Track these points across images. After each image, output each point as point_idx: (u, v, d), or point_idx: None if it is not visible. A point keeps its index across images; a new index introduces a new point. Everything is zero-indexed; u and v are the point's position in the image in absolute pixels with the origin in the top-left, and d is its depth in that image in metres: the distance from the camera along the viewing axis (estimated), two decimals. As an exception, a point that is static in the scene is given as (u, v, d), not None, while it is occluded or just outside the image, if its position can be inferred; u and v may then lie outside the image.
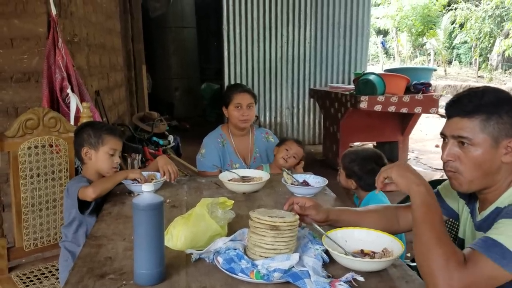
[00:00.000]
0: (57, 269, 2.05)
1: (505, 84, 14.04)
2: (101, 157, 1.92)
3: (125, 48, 6.40)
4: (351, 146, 6.10)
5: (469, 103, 1.20)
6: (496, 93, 1.21)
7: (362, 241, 1.36)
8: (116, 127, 2.20)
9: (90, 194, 1.76)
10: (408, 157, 6.06)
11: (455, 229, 1.89)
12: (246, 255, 1.26)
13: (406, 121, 5.55)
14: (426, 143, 7.38)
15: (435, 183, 2.05)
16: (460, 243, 1.38)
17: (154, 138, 5.31)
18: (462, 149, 1.21)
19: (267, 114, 7.06)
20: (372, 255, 1.30)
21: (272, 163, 2.53)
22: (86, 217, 1.86)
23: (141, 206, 1.13)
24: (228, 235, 1.40)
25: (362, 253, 1.32)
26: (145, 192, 1.15)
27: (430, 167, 5.83)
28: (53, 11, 2.62)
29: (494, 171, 1.20)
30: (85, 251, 1.39)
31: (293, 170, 2.46)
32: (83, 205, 1.81)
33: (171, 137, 5.57)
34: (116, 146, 1.95)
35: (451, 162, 1.24)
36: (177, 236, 1.37)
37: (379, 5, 17.87)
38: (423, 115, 5.36)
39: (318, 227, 1.36)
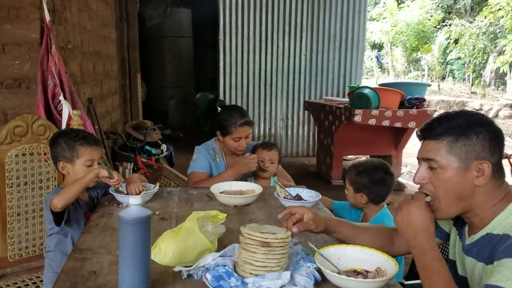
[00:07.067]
0: (42, 281, 1.99)
1: (497, 100, 14.17)
2: (79, 169, 1.81)
3: (120, 56, 6.38)
4: (344, 159, 6.08)
5: (437, 126, 1.21)
6: (468, 116, 1.20)
7: (355, 259, 1.33)
8: (90, 133, 2.07)
9: (55, 204, 1.66)
10: (402, 171, 6.05)
11: (446, 251, 1.87)
12: (236, 272, 1.22)
13: (399, 136, 5.56)
14: (419, 157, 7.38)
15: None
16: (452, 265, 1.35)
17: (147, 147, 5.26)
18: (433, 172, 1.22)
19: (262, 125, 7.05)
20: (365, 274, 1.27)
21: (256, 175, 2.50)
22: (67, 228, 1.80)
23: (128, 220, 1.09)
24: (218, 250, 1.36)
25: (355, 272, 1.29)
26: (132, 205, 1.11)
27: (423, 182, 5.81)
28: (47, 17, 2.58)
29: (468, 195, 1.19)
30: (69, 264, 1.34)
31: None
32: (60, 216, 1.72)
33: (164, 146, 5.53)
34: (92, 156, 1.84)
35: (424, 185, 1.25)
36: (165, 250, 1.33)
37: (374, 19, 18.04)
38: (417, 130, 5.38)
39: (311, 245, 1.33)
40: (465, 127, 1.17)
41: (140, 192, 1.97)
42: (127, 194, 1.94)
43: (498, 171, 1.19)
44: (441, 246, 1.96)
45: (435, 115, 1.32)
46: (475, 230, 1.23)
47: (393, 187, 2.14)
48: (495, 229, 1.16)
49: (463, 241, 1.28)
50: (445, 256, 1.82)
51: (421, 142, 1.27)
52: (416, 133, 1.29)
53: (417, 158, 1.28)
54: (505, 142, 1.24)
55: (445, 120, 1.21)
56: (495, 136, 1.18)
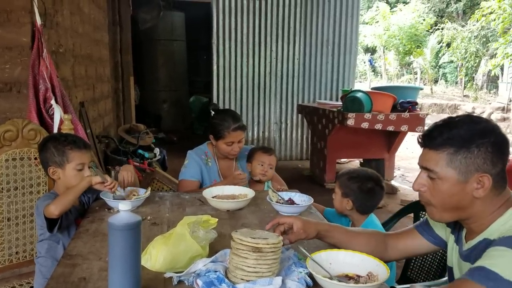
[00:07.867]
0: (32, 286, 1.97)
1: (490, 103, 14.28)
2: (69, 174, 1.81)
3: (113, 59, 6.35)
4: (338, 163, 6.08)
5: (438, 136, 1.17)
6: (470, 125, 1.15)
7: (347, 264, 1.33)
8: (80, 137, 2.06)
9: (52, 211, 1.66)
10: (394, 174, 6.07)
11: (444, 259, 1.87)
12: (227, 277, 1.21)
13: (392, 139, 5.58)
14: (412, 161, 7.41)
15: (418, 205, 2.04)
16: (450, 272, 1.34)
17: (140, 151, 5.23)
18: (432, 181, 1.20)
19: (255, 128, 7.05)
20: (357, 279, 1.27)
21: (251, 180, 2.48)
22: (58, 234, 1.79)
23: (117, 226, 1.08)
24: (210, 255, 1.35)
25: (347, 277, 1.28)
26: (122, 211, 1.10)
27: (416, 185, 5.82)
28: (38, 21, 2.57)
29: (466, 205, 1.18)
30: (59, 270, 1.33)
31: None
32: (53, 222, 1.72)
33: (157, 150, 5.50)
34: (82, 160, 1.83)
35: (422, 193, 1.23)
36: (155, 256, 1.32)
37: (367, 23, 18.14)
38: (409, 133, 5.41)
39: (303, 250, 1.32)
40: (467, 139, 1.13)
41: (133, 182, 2.00)
42: (119, 182, 1.96)
43: (500, 181, 1.16)
44: (437, 253, 1.97)
45: (436, 119, 1.30)
46: (472, 236, 1.23)
47: (381, 200, 2.14)
48: (492, 235, 1.16)
49: (461, 247, 1.28)
50: (443, 263, 1.83)
51: (422, 149, 1.24)
52: (417, 139, 1.25)
53: (418, 164, 1.25)
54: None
55: (446, 128, 1.17)
56: (499, 147, 1.14)
